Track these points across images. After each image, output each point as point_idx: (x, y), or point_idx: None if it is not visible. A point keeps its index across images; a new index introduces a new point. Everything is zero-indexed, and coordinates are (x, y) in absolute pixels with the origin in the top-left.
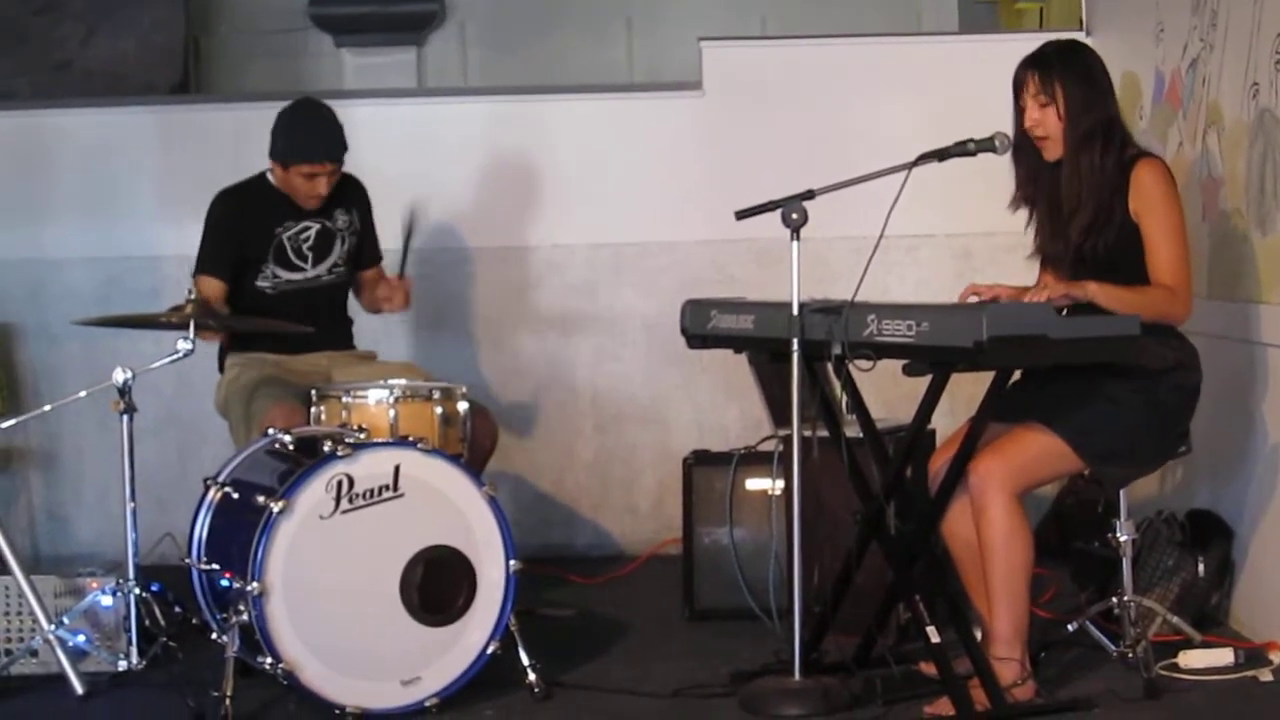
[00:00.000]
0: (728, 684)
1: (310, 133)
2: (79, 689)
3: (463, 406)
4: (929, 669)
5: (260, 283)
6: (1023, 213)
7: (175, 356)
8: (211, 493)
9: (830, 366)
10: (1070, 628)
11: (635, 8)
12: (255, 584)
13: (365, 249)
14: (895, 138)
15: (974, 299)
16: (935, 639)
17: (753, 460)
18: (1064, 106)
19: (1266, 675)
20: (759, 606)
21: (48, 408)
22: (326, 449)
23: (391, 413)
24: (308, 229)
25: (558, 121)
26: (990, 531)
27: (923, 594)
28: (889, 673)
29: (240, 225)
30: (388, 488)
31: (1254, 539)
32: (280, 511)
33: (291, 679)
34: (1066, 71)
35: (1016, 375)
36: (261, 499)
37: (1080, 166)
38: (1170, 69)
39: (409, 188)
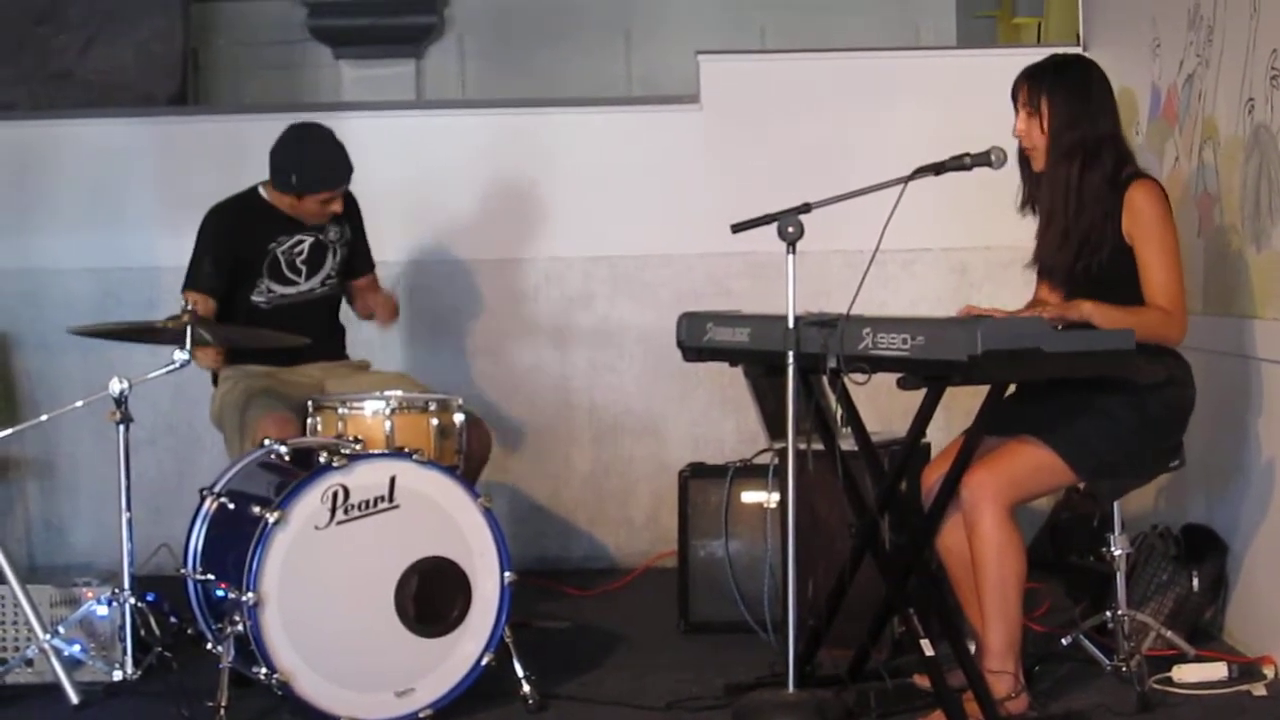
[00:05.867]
0: (722, 696)
1: (324, 161)
2: (74, 699)
3: (458, 418)
4: (923, 682)
5: (255, 297)
6: (1018, 226)
7: (171, 367)
8: (207, 503)
9: (826, 380)
10: (1064, 641)
11: (633, 21)
12: (250, 594)
13: (357, 258)
14: (892, 152)
15: None
16: (929, 652)
17: (748, 473)
18: (1048, 119)
19: (1260, 690)
20: (754, 619)
21: (44, 418)
22: (322, 460)
23: (387, 424)
24: (301, 242)
25: (555, 134)
26: (982, 545)
27: (917, 607)
28: (883, 686)
29: (233, 242)
30: (383, 499)
31: (1248, 553)
32: (276, 522)
33: (286, 689)
34: (1057, 85)
35: (1011, 389)
36: (257, 510)
37: (1056, 180)
38: (1166, 84)
39: (407, 200)
